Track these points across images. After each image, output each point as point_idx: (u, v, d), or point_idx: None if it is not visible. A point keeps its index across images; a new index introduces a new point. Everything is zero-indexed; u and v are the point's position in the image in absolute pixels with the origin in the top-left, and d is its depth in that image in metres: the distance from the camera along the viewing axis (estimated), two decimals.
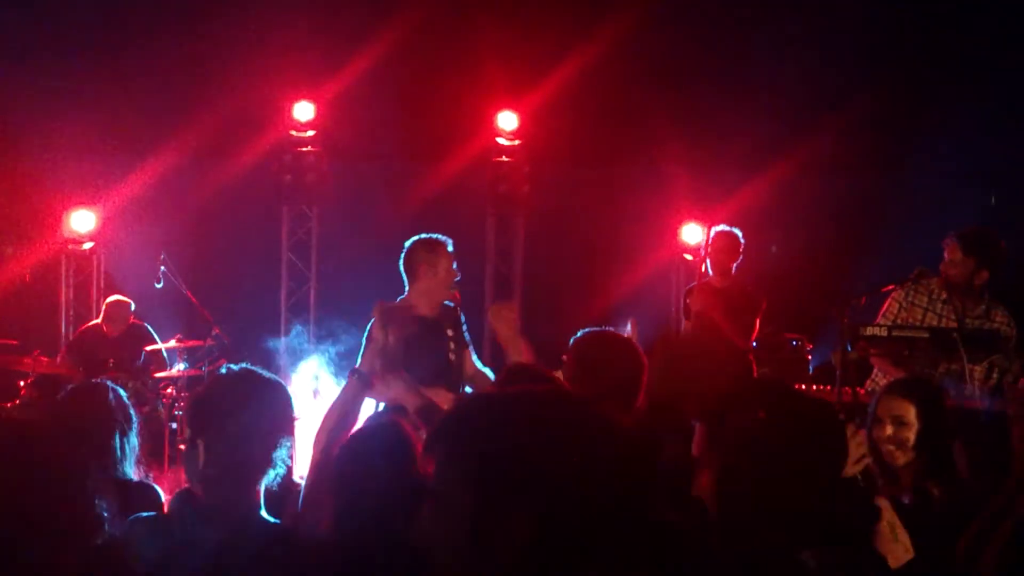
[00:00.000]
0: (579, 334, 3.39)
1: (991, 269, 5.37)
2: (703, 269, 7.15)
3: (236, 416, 2.52)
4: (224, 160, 9.07)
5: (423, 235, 5.39)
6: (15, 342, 7.47)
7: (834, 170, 9.49)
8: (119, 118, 8.74)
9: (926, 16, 8.67)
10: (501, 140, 9.63)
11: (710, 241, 6.98)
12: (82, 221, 8.87)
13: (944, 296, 5.46)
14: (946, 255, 5.42)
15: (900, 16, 8.72)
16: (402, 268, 5.31)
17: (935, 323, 5.39)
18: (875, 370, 5.53)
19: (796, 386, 7.29)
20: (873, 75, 8.88)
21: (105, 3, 8.78)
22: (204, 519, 2.47)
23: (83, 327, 8.32)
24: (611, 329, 3.49)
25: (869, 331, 5.12)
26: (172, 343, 7.85)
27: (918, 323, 5.39)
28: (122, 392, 3.61)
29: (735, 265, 6.90)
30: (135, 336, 7.95)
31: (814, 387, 6.86)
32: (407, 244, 5.37)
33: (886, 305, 5.58)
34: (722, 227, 6.98)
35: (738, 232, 6.89)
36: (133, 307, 7.98)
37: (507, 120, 9.55)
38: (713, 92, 9.28)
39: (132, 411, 3.58)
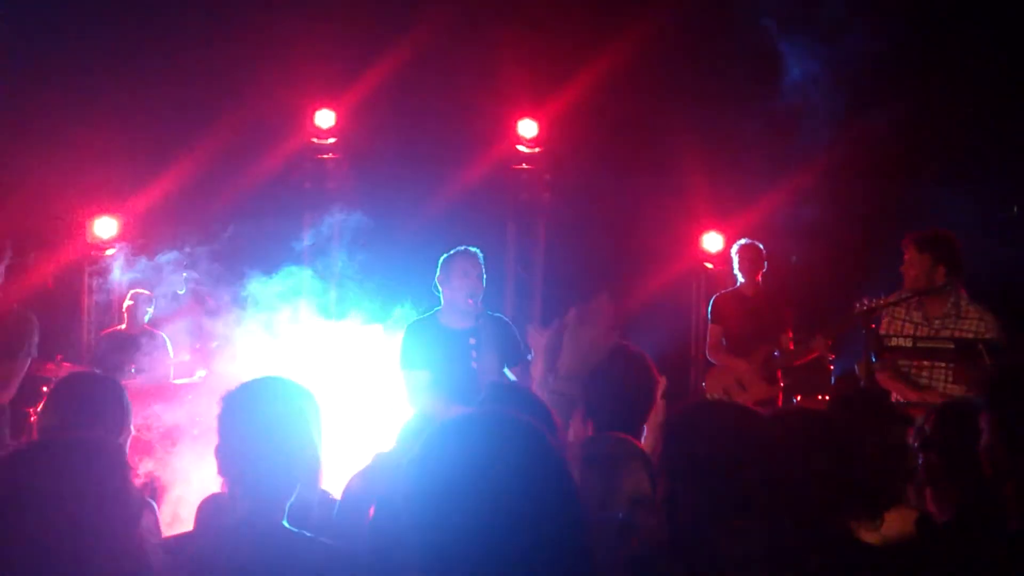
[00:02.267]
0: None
1: (948, 265, 5.45)
2: (736, 280, 7.55)
3: (266, 423, 2.53)
4: (246, 167, 9.10)
5: (453, 250, 5.55)
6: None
7: (855, 178, 9.43)
8: (141, 126, 8.78)
9: (946, 23, 8.61)
10: (522, 148, 9.62)
11: (736, 253, 7.48)
12: (105, 228, 8.93)
13: (915, 302, 5.51)
14: (904, 257, 5.55)
15: (920, 23, 8.65)
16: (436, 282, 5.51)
17: (912, 332, 5.48)
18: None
19: (818, 396, 7.31)
20: (895, 82, 8.82)
21: (128, 11, 8.83)
22: (233, 527, 2.47)
23: (103, 332, 8.37)
24: (625, 343, 3.45)
25: (894, 342, 5.10)
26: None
27: (898, 333, 5.45)
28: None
29: (761, 275, 7.39)
30: (156, 342, 7.98)
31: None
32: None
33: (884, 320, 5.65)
34: (744, 240, 7.51)
35: (760, 244, 7.44)
36: (152, 304, 8.02)
37: (528, 128, 9.55)
38: (734, 99, 9.25)
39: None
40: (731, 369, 7.25)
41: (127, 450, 3.35)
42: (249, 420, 2.52)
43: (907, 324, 5.57)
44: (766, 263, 7.42)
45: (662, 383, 3.40)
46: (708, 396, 7.25)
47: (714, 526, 2.09)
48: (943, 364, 5.26)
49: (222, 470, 2.55)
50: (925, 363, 5.35)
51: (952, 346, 5.06)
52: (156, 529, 3.29)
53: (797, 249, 9.40)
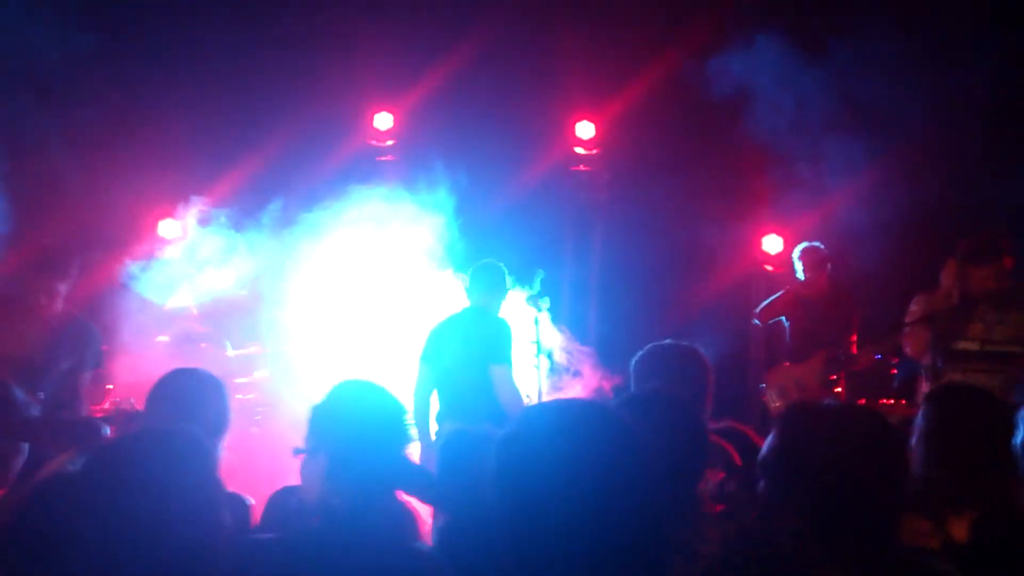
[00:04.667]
0: (642, 351, 3.38)
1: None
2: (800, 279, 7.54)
3: (361, 427, 2.49)
4: (305, 169, 9.20)
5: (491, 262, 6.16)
6: (105, 347, 7.65)
7: (921, 177, 9.23)
8: (204, 128, 8.93)
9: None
10: (579, 149, 9.62)
11: (798, 257, 7.49)
12: (169, 229, 9.08)
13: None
14: (992, 271, 5.39)
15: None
16: (485, 281, 5.89)
17: (980, 334, 5.38)
18: None
19: (881, 401, 7.18)
20: (965, 77, 8.60)
21: (191, 13, 8.98)
22: (339, 539, 2.38)
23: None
24: (673, 341, 3.46)
25: (961, 346, 4.99)
26: (254, 348, 8.05)
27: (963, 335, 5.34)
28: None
29: (826, 276, 7.39)
30: (215, 342, 8.10)
31: (903, 401, 6.75)
32: (491, 263, 6.11)
33: None
34: (805, 243, 7.56)
35: (820, 244, 7.47)
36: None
37: (585, 129, 9.54)
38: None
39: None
40: (790, 370, 7.22)
41: (223, 444, 3.35)
42: (344, 426, 2.49)
43: (976, 324, 5.45)
44: (830, 264, 7.40)
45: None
46: (766, 396, 7.22)
47: (808, 527, 2.06)
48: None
49: (327, 478, 2.45)
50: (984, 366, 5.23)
51: (1019, 349, 4.95)
52: (246, 524, 3.31)
53: (862, 249, 9.24)
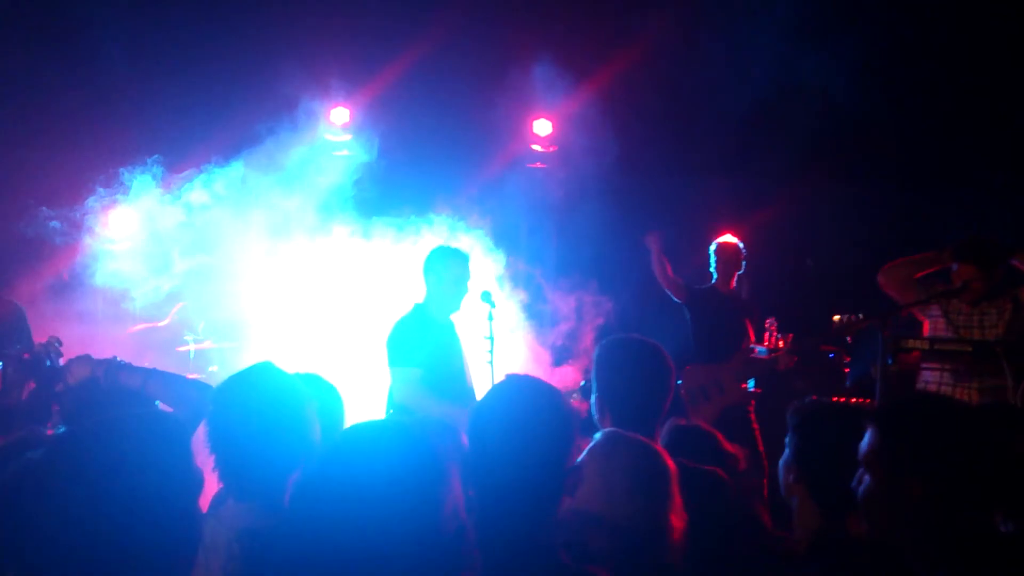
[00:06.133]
0: (604, 341, 3.32)
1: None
2: (711, 277, 7.34)
3: (253, 412, 2.50)
4: (261, 162, 9.12)
5: (443, 245, 5.51)
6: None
7: (872, 180, 9.40)
8: (160, 120, 8.82)
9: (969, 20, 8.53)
10: (536, 147, 9.64)
11: (714, 251, 7.26)
12: (124, 221, 8.94)
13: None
14: (979, 272, 5.36)
15: (941, 21, 8.59)
16: (422, 273, 5.43)
17: (952, 323, 5.36)
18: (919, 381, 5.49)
19: (832, 399, 7.25)
20: (914, 85, 8.78)
21: (148, 5, 8.87)
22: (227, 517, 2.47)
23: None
24: (636, 335, 3.42)
25: (911, 344, 5.08)
26: (207, 343, 7.97)
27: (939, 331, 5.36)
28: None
29: (738, 274, 7.20)
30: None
31: (852, 400, 6.85)
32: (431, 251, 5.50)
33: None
34: (726, 237, 7.32)
35: (740, 243, 7.24)
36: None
37: (543, 127, 9.56)
38: (751, 98, 9.22)
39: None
40: (707, 370, 6.96)
41: None
42: (234, 414, 2.50)
43: (953, 315, 5.42)
44: (744, 263, 7.23)
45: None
46: (684, 393, 6.92)
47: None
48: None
49: (215, 464, 2.53)
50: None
51: (970, 348, 5.03)
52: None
53: (813, 251, 9.37)
